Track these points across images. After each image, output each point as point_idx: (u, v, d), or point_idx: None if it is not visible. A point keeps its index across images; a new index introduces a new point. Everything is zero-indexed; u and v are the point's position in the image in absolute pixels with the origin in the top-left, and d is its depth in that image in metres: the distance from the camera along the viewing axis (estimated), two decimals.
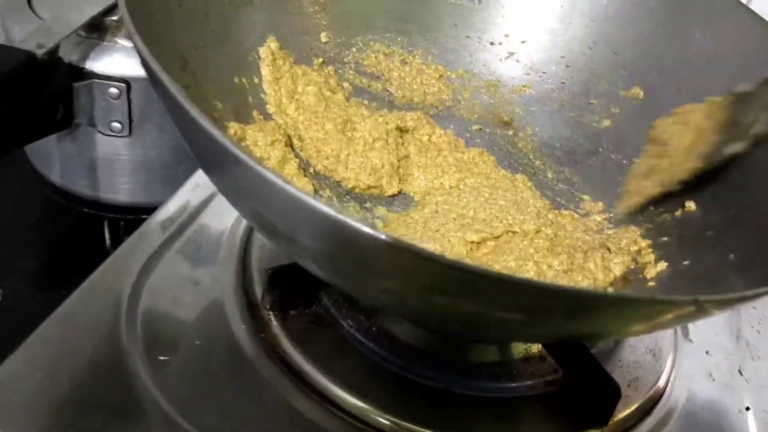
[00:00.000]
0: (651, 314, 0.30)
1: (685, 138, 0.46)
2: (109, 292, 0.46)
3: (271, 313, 0.46)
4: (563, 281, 0.44)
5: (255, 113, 0.50)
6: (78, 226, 0.79)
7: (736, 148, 0.45)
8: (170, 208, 0.54)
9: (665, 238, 0.48)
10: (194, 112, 0.30)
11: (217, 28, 0.48)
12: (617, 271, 0.46)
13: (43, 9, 0.69)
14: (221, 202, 0.55)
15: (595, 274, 0.45)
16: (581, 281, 0.45)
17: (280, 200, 0.28)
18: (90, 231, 0.79)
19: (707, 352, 0.51)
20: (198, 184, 0.57)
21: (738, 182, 0.48)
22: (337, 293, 0.48)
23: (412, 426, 0.41)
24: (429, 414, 0.42)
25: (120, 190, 0.76)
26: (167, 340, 0.44)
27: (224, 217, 0.54)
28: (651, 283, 0.45)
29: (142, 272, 0.48)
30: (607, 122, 0.57)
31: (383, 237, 0.26)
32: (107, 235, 0.79)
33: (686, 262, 0.45)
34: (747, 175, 0.46)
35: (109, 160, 0.74)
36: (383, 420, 0.41)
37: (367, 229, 0.26)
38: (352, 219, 0.27)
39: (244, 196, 0.33)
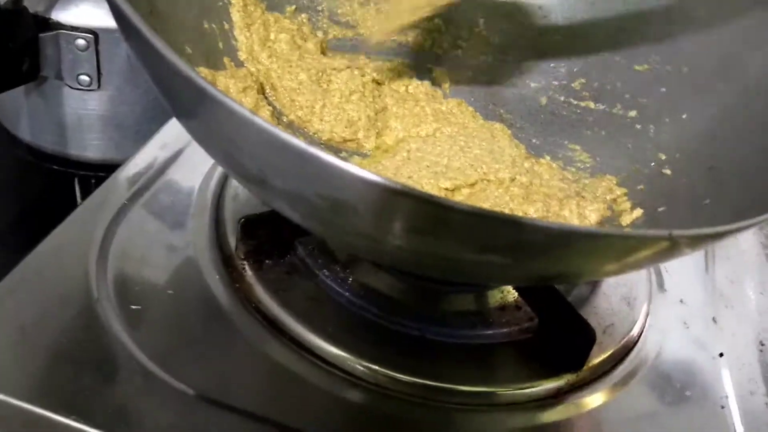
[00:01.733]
0: (625, 250, 0.29)
1: None
2: (77, 242, 0.45)
3: (245, 262, 0.45)
4: None
5: (226, 60, 0.49)
6: (48, 184, 0.78)
7: None
8: (139, 161, 0.53)
9: (641, 187, 0.48)
10: (164, 49, 0.29)
11: None
12: (592, 218, 0.45)
13: None
14: (192, 156, 0.54)
15: (570, 221, 0.45)
16: None
17: (251, 136, 0.27)
18: (60, 189, 0.77)
19: (681, 301, 0.52)
20: (167, 138, 0.55)
21: (709, 135, 0.48)
22: (313, 243, 0.47)
23: (388, 372, 0.41)
24: (405, 360, 0.42)
25: (90, 146, 0.74)
26: (139, 290, 0.43)
27: (196, 171, 0.53)
28: (627, 230, 0.45)
29: (112, 224, 0.47)
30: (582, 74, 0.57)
31: (354, 170, 0.26)
32: (78, 193, 0.78)
33: (662, 209, 0.45)
34: (717, 126, 0.46)
35: (78, 115, 0.72)
36: (360, 367, 0.41)
37: (338, 162, 0.25)
38: (323, 152, 0.26)
39: (216, 136, 0.32)
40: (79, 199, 0.76)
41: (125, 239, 0.46)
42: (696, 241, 0.30)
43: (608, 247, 0.28)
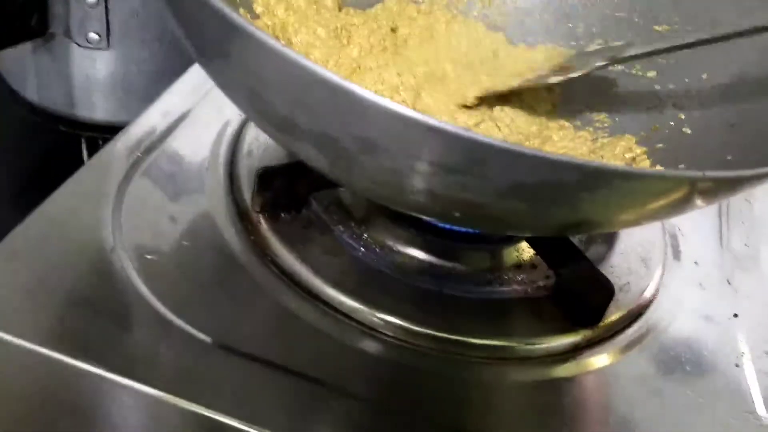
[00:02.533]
0: (654, 192, 0.29)
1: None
2: (92, 194, 0.45)
3: (261, 215, 0.45)
4: None
5: (242, 11, 0.48)
6: (55, 145, 0.77)
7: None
8: (152, 117, 0.52)
9: (660, 145, 0.48)
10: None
11: None
12: None
13: None
14: (204, 112, 0.54)
15: None
16: None
17: (281, 69, 0.27)
18: (68, 150, 0.77)
19: (696, 263, 0.52)
20: (180, 94, 0.55)
21: (730, 92, 0.47)
22: (329, 198, 0.47)
23: (405, 324, 0.41)
24: (421, 313, 0.42)
25: (98, 107, 0.74)
26: (154, 241, 0.43)
27: (209, 128, 0.53)
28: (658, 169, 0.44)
29: (126, 177, 0.47)
30: (601, 35, 0.56)
31: (391, 105, 0.25)
32: (85, 154, 0.77)
33: (682, 166, 0.44)
34: (738, 83, 0.46)
35: (86, 75, 0.71)
36: (376, 319, 0.41)
37: (374, 97, 0.25)
38: (358, 87, 0.26)
39: (243, 74, 0.31)
40: (86, 160, 0.76)
41: (140, 192, 0.46)
42: (720, 185, 0.30)
43: (640, 189, 0.28)
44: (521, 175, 0.27)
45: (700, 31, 0.47)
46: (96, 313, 0.38)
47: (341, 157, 0.31)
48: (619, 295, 0.45)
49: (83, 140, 0.77)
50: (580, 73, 0.48)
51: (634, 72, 0.54)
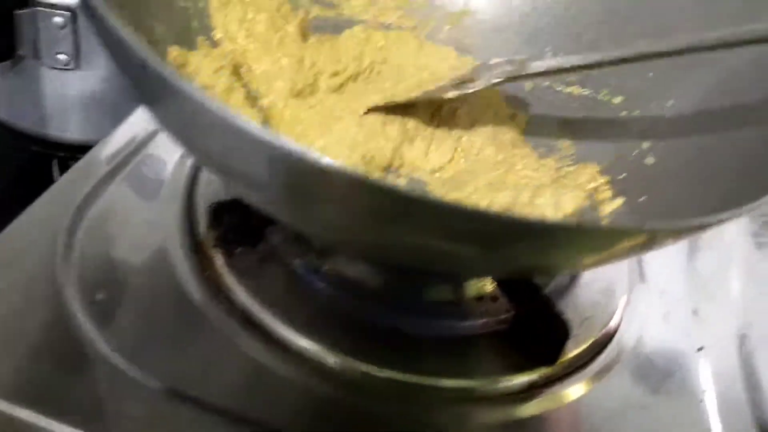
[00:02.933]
0: (599, 245, 0.28)
1: None
2: (46, 225, 0.44)
3: (216, 250, 0.44)
4: None
5: (200, 39, 0.47)
6: (27, 165, 0.76)
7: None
8: (114, 141, 0.52)
9: (623, 175, 0.47)
10: (113, 24, 0.27)
11: None
12: (568, 207, 0.44)
13: None
14: (166, 138, 0.53)
15: (543, 210, 0.44)
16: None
17: (202, 117, 0.26)
18: (39, 170, 0.76)
19: (662, 292, 0.51)
20: (143, 118, 0.54)
21: (693, 122, 0.47)
22: (286, 230, 0.46)
23: (362, 365, 0.40)
24: (380, 352, 0.41)
25: (69, 127, 0.73)
26: (105, 277, 0.42)
27: (170, 152, 0.52)
28: (605, 220, 0.43)
29: (82, 205, 0.46)
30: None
31: (313, 157, 0.24)
32: (56, 175, 0.77)
33: (643, 199, 0.44)
34: (702, 112, 0.45)
35: (56, 95, 0.71)
36: (333, 360, 0.40)
37: (295, 147, 0.24)
38: (278, 137, 0.25)
39: (172, 119, 0.30)
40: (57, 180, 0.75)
41: (95, 221, 0.45)
42: (674, 234, 0.29)
43: (581, 241, 0.27)
44: (448, 228, 0.26)
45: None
46: (46, 359, 0.37)
47: (274, 203, 0.30)
48: (579, 330, 0.45)
49: (54, 160, 0.76)
50: (478, 88, 0.47)
51: (600, 97, 0.53)
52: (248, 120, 0.25)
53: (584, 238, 0.27)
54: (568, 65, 0.45)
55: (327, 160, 0.25)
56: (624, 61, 0.43)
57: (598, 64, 0.44)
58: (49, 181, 0.74)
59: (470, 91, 0.47)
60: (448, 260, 0.31)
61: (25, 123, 0.73)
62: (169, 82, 0.26)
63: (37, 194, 0.67)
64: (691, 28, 0.48)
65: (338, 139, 0.45)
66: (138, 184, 0.49)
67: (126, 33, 0.27)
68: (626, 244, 0.29)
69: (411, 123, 0.48)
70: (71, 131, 0.73)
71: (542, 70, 0.47)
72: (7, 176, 0.76)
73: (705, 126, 0.45)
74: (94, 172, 0.48)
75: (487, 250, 0.28)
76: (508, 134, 0.51)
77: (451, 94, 0.47)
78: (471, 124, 0.51)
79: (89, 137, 0.72)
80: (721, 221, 0.30)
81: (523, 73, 0.47)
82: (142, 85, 0.30)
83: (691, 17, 0.49)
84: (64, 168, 0.75)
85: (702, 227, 0.30)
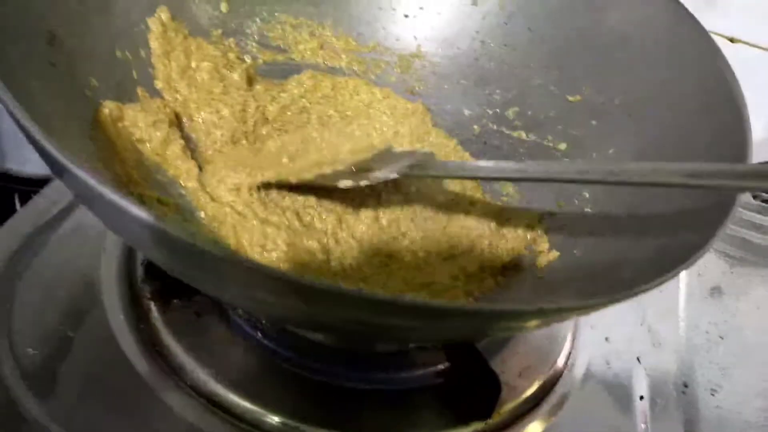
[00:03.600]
0: (492, 324, 0.28)
1: None
2: None
3: (151, 302, 0.44)
4: (444, 269, 0.43)
5: (140, 90, 0.47)
6: None
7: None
8: (56, 188, 0.51)
9: (562, 225, 0.47)
10: (15, 105, 0.27)
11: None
12: (506, 257, 0.45)
13: None
14: None
15: (481, 260, 0.44)
16: (467, 266, 0.44)
17: (100, 202, 0.26)
18: (1, 204, 0.76)
19: (607, 339, 0.51)
20: None
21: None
22: None
23: (301, 426, 0.40)
24: (321, 411, 0.41)
25: (29, 161, 0.73)
26: (39, 331, 0.42)
27: None
28: (540, 273, 0.44)
29: (18, 254, 0.46)
30: (517, 102, 0.56)
31: (197, 246, 0.24)
32: (18, 208, 0.76)
33: (577, 252, 0.44)
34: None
35: (15, 130, 0.70)
36: (271, 420, 0.40)
37: (178, 236, 0.24)
38: (165, 224, 0.25)
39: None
40: None
41: (32, 274, 0.45)
42: (561, 314, 0.29)
43: (465, 321, 0.27)
44: (335, 310, 0.26)
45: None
46: None
47: (179, 275, 0.30)
48: (518, 381, 0.45)
49: (16, 194, 0.76)
50: (372, 183, 0.45)
51: (546, 143, 0.53)
52: (117, 193, 0.25)
53: (472, 320, 0.27)
54: (471, 173, 0.45)
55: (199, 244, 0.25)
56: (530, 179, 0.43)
57: (503, 178, 0.44)
58: (11, 213, 0.74)
59: (362, 184, 0.45)
60: (357, 336, 0.31)
61: None
62: (60, 163, 0.27)
63: None
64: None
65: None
66: (82, 230, 0.48)
67: (24, 116, 0.27)
68: (509, 324, 0.29)
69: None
70: (30, 165, 0.73)
71: (441, 174, 0.46)
72: None
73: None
74: (33, 221, 0.48)
75: (382, 330, 0.28)
76: (457, 184, 0.51)
77: (342, 185, 0.45)
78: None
79: (48, 171, 0.72)
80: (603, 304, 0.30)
81: (424, 173, 0.46)
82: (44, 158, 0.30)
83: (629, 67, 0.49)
84: (25, 201, 0.74)
85: (588, 308, 0.30)
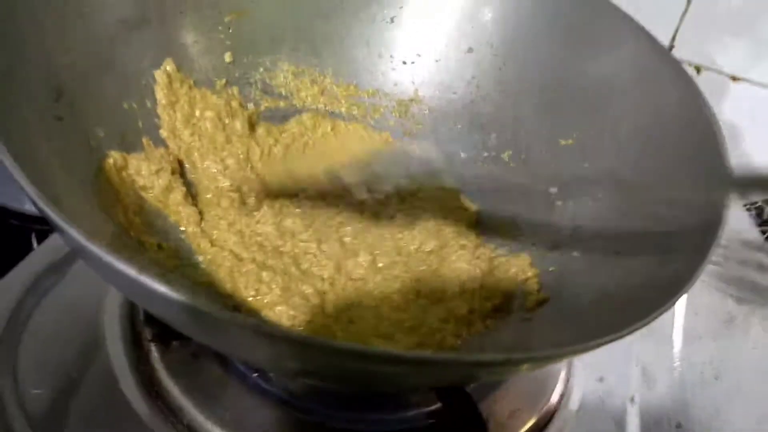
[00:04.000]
0: (470, 372, 0.30)
1: None
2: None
3: (152, 344, 0.46)
4: (433, 312, 0.44)
5: (145, 140, 0.49)
6: (6, 238, 0.78)
7: None
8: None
9: (552, 268, 0.48)
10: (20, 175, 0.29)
11: (104, 51, 0.47)
12: (496, 300, 0.46)
13: None
14: None
15: (471, 304, 0.45)
16: (456, 309, 0.45)
17: (94, 261, 0.28)
18: (19, 243, 0.78)
19: (600, 379, 0.51)
20: None
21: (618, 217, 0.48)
22: None
23: None
24: None
25: None
26: (43, 371, 0.44)
27: None
28: (528, 315, 0.45)
29: (27, 296, 0.48)
30: (511, 145, 0.57)
31: (199, 307, 0.26)
32: (35, 247, 0.78)
33: (567, 294, 0.45)
34: (626, 209, 0.47)
35: None
36: None
37: (178, 297, 0.26)
38: (154, 280, 0.26)
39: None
40: None
41: (45, 309, 0.47)
42: (536, 363, 0.30)
43: (443, 370, 0.28)
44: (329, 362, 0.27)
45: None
46: None
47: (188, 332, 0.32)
48: (507, 422, 0.45)
49: (33, 234, 0.78)
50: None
51: (539, 186, 0.54)
52: (115, 255, 0.27)
53: (454, 369, 0.28)
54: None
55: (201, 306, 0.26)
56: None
57: None
58: (28, 253, 0.77)
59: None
60: (353, 382, 0.33)
61: (3, 197, 0.75)
62: (59, 225, 0.28)
63: (15, 265, 0.69)
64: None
65: None
66: (85, 276, 0.50)
67: (25, 180, 0.29)
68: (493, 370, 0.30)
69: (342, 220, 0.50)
70: None
71: None
72: None
73: (627, 221, 0.46)
74: (40, 264, 0.50)
75: (362, 376, 0.29)
76: (452, 226, 0.53)
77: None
78: (416, 217, 0.53)
79: None
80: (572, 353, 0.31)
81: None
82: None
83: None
84: (41, 239, 0.77)
85: (557, 356, 0.31)
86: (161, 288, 0.27)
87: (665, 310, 0.34)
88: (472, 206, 0.56)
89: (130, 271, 0.27)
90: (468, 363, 0.28)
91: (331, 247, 0.47)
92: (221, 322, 0.27)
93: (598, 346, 0.31)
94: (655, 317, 0.34)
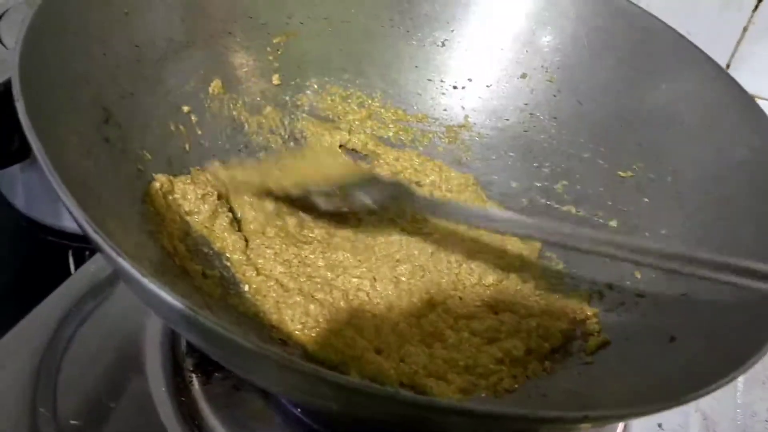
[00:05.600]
0: (540, 426, 0.27)
1: None
2: (27, 346, 0.45)
3: (193, 375, 0.44)
4: (488, 351, 0.42)
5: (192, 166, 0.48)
6: (43, 255, 0.78)
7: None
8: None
9: (611, 307, 0.45)
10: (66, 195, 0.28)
11: (151, 74, 0.46)
12: (554, 341, 0.43)
13: (9, 37, 0.67)
14: None
15: (528, 344, 0.43)
16: (512, 350, 0.42)
17: (137, 286, 0.27)
18: (55, 260, 0.78)
19: (660, 425, 0.49)
20: None
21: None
22: None
23: None
24: None
25: None
26: (81, 401, 0.42)
27: None
28: (589, 358, 0.42)
29: (65, 323, 0.46)
30: (566, 176, 0.55)
31: (245, 344, 0.24)
32: (72, 265, 0.78)
33: (628, 340, 0.42)
34: (696, 247, 0.44)
35: None
36: None
37: (221, 330, 0.24)
38: (209, 320, 0.25)
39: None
40: (73, 271, 0.76)
41: (83, 337, 0.46)
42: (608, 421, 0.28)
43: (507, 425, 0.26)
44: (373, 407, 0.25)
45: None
46: None
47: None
48: None
49: (70, 251, 0.78)
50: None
51: (595, 219, 0.52)
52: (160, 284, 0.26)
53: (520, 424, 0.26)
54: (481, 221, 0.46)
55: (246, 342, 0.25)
56: None
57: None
58: (65, 271, 0.76)
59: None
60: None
61: (41, 214, 0.75)
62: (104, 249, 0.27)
63: (52, 283, 0.68)
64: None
65: None
66: (124, 303, 0.49)
67: (69, 196, 0.28)
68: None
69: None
70: None
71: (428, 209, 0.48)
72: (24, 264, 0.78)
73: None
74: (79, 290, 0.49)
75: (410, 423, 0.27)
76: (515, 257, 0.51)
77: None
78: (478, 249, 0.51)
79: None
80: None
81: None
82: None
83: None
84: (78, 257, 0.76)
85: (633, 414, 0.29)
86: (201, 318, 0.25)
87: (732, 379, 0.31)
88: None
89: (173, 300, 0.25)
90: (547, 419, 0.26)
91: (385, 288, 0.46)
92: (263, 358, 0.25)
93: (681, 404, 0.29)
94: (728, 382, 0.31)
